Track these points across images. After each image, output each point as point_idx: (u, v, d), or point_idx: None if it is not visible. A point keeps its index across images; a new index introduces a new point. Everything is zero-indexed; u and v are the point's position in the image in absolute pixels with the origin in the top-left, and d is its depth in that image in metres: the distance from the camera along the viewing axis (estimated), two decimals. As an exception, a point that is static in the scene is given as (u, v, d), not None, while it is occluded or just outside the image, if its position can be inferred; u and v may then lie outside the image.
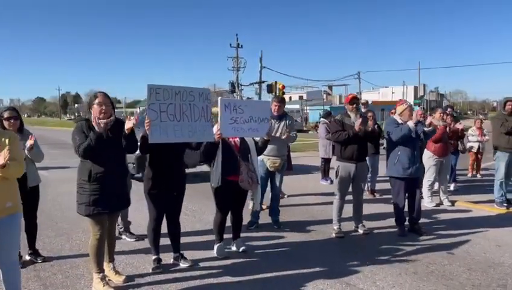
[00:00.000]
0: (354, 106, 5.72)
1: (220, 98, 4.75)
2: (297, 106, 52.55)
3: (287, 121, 5.73)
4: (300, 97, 67.69)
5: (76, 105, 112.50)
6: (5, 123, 4.28)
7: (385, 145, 8.86)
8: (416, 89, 55.29)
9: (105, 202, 3.81)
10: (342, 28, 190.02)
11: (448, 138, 7.58)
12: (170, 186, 4.38)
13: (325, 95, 71.55)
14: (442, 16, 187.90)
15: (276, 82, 19.81)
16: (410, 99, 54.85)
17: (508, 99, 7.48)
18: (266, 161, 5.77)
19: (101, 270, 3.92)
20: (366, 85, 53.13)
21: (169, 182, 4.36)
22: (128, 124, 3.86)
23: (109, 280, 4.00)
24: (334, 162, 5.87)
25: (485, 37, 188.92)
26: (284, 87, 19.75)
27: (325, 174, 10.06)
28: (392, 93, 65.80)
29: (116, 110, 4.14)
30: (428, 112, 19.24)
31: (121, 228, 5.53)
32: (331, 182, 9.83)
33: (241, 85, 35.42)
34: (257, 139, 5.03)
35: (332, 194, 8.23)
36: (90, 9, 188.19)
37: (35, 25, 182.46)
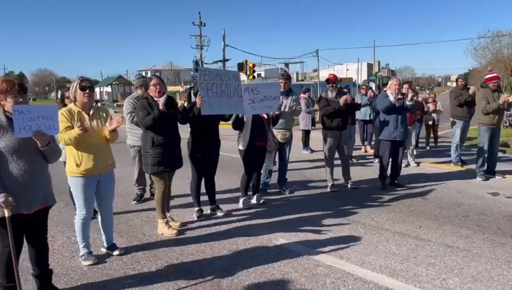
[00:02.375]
0: (331, 85, 6.90)
1: (242, 84, 5.72)
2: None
3: (293, 96, 6.77)
4: (259, 75, 68.81)
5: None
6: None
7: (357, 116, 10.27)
8: (370, 66, 57.86)
9: (166, 162, 4.79)
10: (300, 9, 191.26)
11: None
12: (210, 150, 5.39)
13: (281, 72, 72.87)
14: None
15: (246, 60, 20.72)
16: (364, 75, 57.44)
17: (459, 77, 8.99)
18: (277, 134, 6.70)
19: (165, 216, 4.92)
20: (322, 62, 55.44)
21: (208, 147, 5.36)
22: (180, 102, 4.85)
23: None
24: (322, 132, 7.01)
25: (432, 17, 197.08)
26: (254, 65, 20.72)
27: (306, 145, 11.31)
28: (347, 70, 68.35)
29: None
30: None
31: (154, 190, 6.45)
32: (311, 151, 11.13)
33: (204, 63, 35.76)
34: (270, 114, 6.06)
35: (316, 160, 9.59)
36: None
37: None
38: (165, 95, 4.82)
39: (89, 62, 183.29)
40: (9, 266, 3.14)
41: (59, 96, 4.94)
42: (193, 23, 35.17)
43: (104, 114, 4.08)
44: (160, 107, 4.62)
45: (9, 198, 2.91)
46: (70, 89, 4.00)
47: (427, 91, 13.46)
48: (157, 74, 76.84)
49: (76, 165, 3.87)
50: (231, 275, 3.78)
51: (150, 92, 4.85)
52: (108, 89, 51.86)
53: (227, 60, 33.81)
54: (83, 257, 4.08)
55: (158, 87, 4.79)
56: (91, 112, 3.97)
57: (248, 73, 20.78)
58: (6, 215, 2.91)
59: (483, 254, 4.23)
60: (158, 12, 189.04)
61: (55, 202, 3.41)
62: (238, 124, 5.62)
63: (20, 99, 3.13)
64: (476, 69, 45.15)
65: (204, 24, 35.29)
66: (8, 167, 3.01)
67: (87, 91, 3.89)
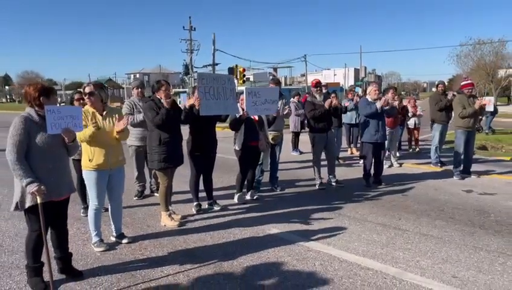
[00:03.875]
0: (318, 88, 7.43)
1: (245, 87, 6.21)
2: (244, 87, 54.14)
3: (283, 100, 7.27)
4: (247, 79, 69.36)
5: (7, 87, 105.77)
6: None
7: (344, 120, 10.81)
8: (357, 71, 58.88)
9: (170, 159, 5.24)
10: (289, 12, 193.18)
11: (398, 113, 9.53)
12: (207, 149, 5.84)
13: (270, 77, 73.69)
14: (380, 4, 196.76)
15: (236, 65, 21.22)
16: (351, 80, 58.45)
17: (439, 82, 9.69)
18: (268, 135, 7.20)
19: (168, 209, 5.36)
20: (310, 67, 56.77)
21: (206, 146, 5.82)
22: (189, 102, 5.27)
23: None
24: (309, 134, 7.51)
25: (417, 24, 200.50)
26: (244, 70, 21.27)
27: (295, 146, 11.82)
28: (334, 75, 69.33)
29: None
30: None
31: (153, 187, 6.89)
32: (300, 153, 11.65)
33: (194, 67, 36.15)
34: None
35: (305, 161, 10.10)
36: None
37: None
38: (171, 98, 5.27)
39: (77, 64, 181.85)
40: (36, 249, 3.56)
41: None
42: (183, 27, 35.56)
43: (117, 115, 4.51)
44: (166, 105, 5.07)
45: (42, 187, 3.33)
46: None
47: (413, 96, 13.97)
48: (146, 77, 76.93)
49: (89, 160, 4.30)
50: (231, 258, 4.24)
51: (159, 94, 5.28)
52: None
53: (217, 64, 34.32)
54: (95, 244, 4.50)
55: (167, 91, 5.30)
56: (104, 113, 4.41)
57: (238, 77, 21.27)
58: (39, 201, 3.33)
59: (454, 241, 4.76)
60: (146, 15, 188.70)
61: (76, 190, 3.86)
62: (237, 125, 6.08)
63: (52, 101, 3.56)
64: (459, 76, 46.35)
65: (195, 29, 35.73)
66: (41, 159, 3.43)
67: (87, 96, 4.34)
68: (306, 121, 8.18)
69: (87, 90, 4.35)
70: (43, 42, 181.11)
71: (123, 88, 74.82)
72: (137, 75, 78.91)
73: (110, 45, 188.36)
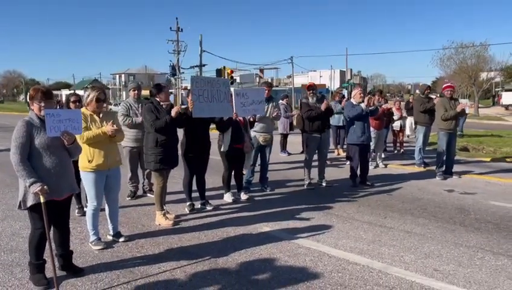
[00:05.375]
0: (311, 91, 7.68)
1: (233, 89, 6.43)
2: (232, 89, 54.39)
3: (273, 103, 7.48)
4: (234, 80, 69.42)
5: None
6: (72, 105, 5.56)
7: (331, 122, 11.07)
8: (342, 73, 59.54)
9: (166, 161, 5.40)
10: (276, 14, 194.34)
11: (383, 115, 9.85)
12: (201, 150, 6.01)
13: (257, 78, 74.02)
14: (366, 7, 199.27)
15: (224, 67, 21.38)
16: (337, 82, 59.12)
17: (426, 86, 10.01)
18: (258, 137, 7.30)
19: (162, 209, 5.52)
20: (296, 69, 57.29)
21: (200, 148, 5.99)
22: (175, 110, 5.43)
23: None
24: (303, 135, 7.75)
25: (401, 26, 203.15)
26: (232, 72, 21.45)
27: (284, 148, 12.05)
28: (320, 77, 69.89)
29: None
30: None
31: (146, 187, 7.03)
32: (288, 154, 11.89)
33: (181, 68, 36.16)
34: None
35: (293, 162, 10.34)
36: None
37: None
38: (178, 106, 5.45)
39: (60, 64, 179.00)
40: (39, 246, 3.70)
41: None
42: (170, 28, 35.61)
43: (112, 119, 4.66)
44: (173, 114, 5.25)
45: (45, 187, 3.47)
46: (85, 97, 4.56)
47: (397, 98, 14.28)
48: (131, 77, 76.59)
49: (89, 161, 4.44)
50: (225, 255, 4.43)
51: (159, 97, 5.44)
52: (82, 92, 51.41)
53: (204, 65, 34.39)
54: (93, 243, 4.64)
55: (168, 94, 5.54)
56: (101, 115, 4.56)
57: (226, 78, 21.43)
58: (42, 201, 3.47)
59: (436, 237, 5.04)
60: (131, 15, 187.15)
61: (79, 190, 4.00)
62: (225, 126, 6.27)
63: (43, 104, 3.66)
64: (442, 78, 47.25)
65: (182, 29, 35.81)
66: (42, 160, 3.58)
67: (100, 103, 4.50)
68: (298, 123, 8.39)
69: (101, 96, 4.51)
70: (26, 41, 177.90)
71: (109, 88, 74.33)
72: (123, 76, 78.54)
73: (94, 45, 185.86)
